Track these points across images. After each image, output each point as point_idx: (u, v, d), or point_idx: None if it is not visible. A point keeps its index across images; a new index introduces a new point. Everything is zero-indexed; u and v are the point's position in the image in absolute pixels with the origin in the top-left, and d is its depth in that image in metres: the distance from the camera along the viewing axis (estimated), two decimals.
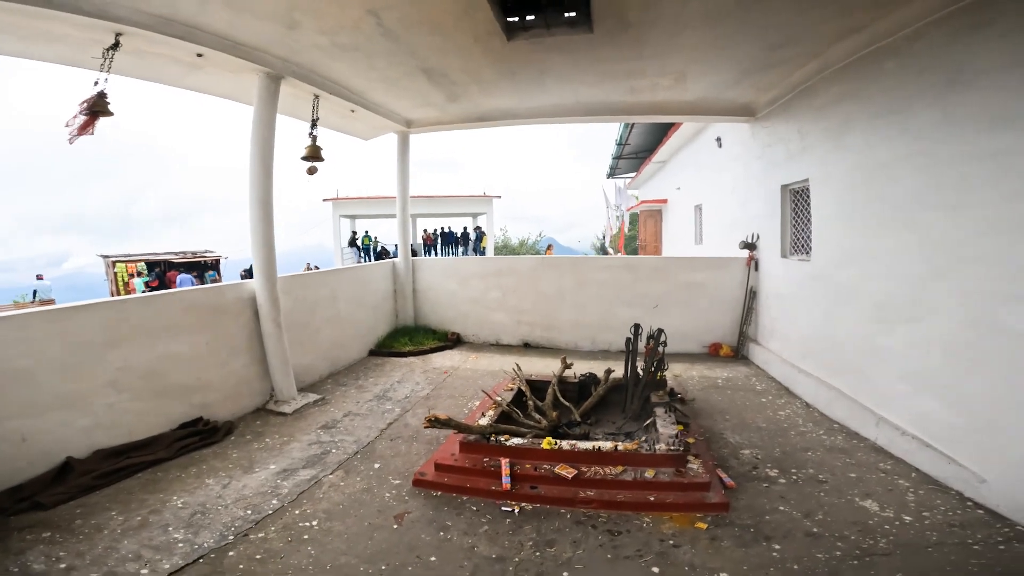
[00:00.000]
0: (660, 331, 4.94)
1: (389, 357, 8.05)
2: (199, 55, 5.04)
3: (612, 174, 20.05)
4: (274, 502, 3.73)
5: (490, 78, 6.36)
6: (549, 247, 16.98)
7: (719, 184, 10.03)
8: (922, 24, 4.17)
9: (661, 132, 13.27)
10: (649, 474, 3.73)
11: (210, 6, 4.41)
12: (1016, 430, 3.39)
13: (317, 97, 6.42)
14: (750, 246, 7.84)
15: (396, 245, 10.15)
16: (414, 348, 8.31)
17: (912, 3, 4.16)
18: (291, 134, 6.75)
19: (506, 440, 4.17)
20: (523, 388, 5.23)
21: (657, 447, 3.94)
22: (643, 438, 4.30)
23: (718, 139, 9.72)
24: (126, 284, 17.62)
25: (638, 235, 19.99)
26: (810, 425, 5.04)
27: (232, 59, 5.19)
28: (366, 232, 23.65)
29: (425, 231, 24.10)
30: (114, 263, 18.06)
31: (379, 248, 22.70)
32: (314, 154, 6.51)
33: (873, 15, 4.48)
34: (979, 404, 3.70)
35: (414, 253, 22.86)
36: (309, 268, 16.85)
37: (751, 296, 7.80)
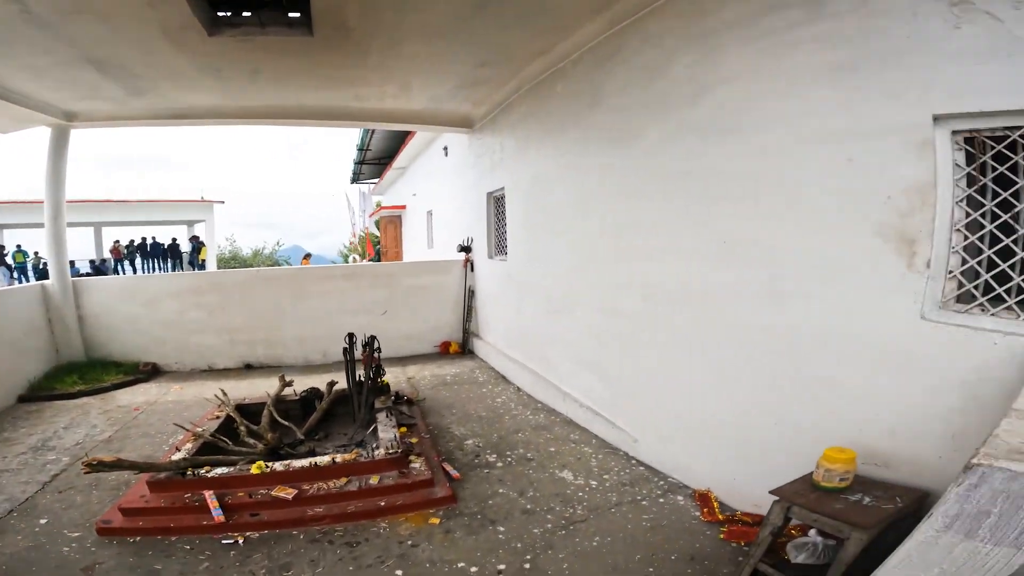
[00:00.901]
0: (373, 338, 4.93)
1: (50, 401, 6.26)
2: None
3: (356, 179, 19.40)
4: None
5: (188, 74, 5.51)
6: (307, 256, 15.33)
7: (445, 191, 10.61)
8: (585, 50, 4.79)
9: (400, 139, 13.39)
10: (374, 480, 3.69)
11: None
12: (642, 394, 4.26)
13: None
14: (466, 249, 8.50)
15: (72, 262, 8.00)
16: (87, 387, 6.63)
17: (580, 29, 4.67)
18: None
19: (207, 472, 3.69)
20: (232, 414, 4.65)
21: (377, 453, 3.92)
22: (374, 445, 4.23)
23: (445, 148, 10.24)
24: None
25: (380, 241, 19.89)
26: (520, 408, 5.61)
27: None
28: (18, 246, 18.33)
29: (116, 243, 19.79)
30: None
31: (42, 266, 17.67)
32: None
33: (556, 39, 4.97)
34: (616, 375, 4.59)
35: (100, 272, 18.53)
36: None
37: (470, 295, 8.42)
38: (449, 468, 4.07)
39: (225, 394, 5.05)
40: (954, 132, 2.51)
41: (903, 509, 2.41)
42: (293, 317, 8.04)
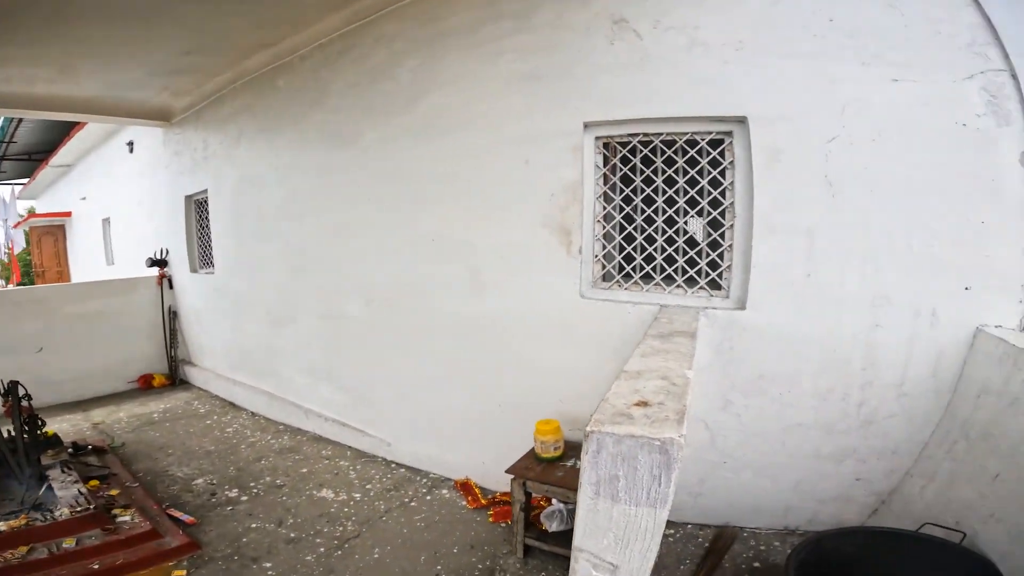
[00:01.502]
0: (15, 383, 3.94)
1: None
2: None
3: None
4: None
5: None
6: None
7: (130, 194, 8.86)
8: (316, 46, 4.61)
9: (64, 130, 10.47)
10: (69, 543, 2.99)
11: None
12: (383, 396, 4.40)
13: None
14: (160, 263, 7.28)
15: None
16: None
17: (316, 24, 4.47)
18: None
19: None
20: None
21: (60, 514, 3.22)
22: (57, 505, 3.39)
23: (130, 143, 8.56)
24: None
25: (33, 258, 15.27)
26: (259, 434, 5.11)
27: None
28: None
29: None
30: None
31: None
32: None
33: (286, 32, 4.65)
34: (354, 382, 4.63)
35: None
36: None
37: (172, 316, 7.25)
38: (178, 514, 3.49)
39: None
40: (597, 137, 3.22)
41: None
42: None
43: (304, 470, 4.23)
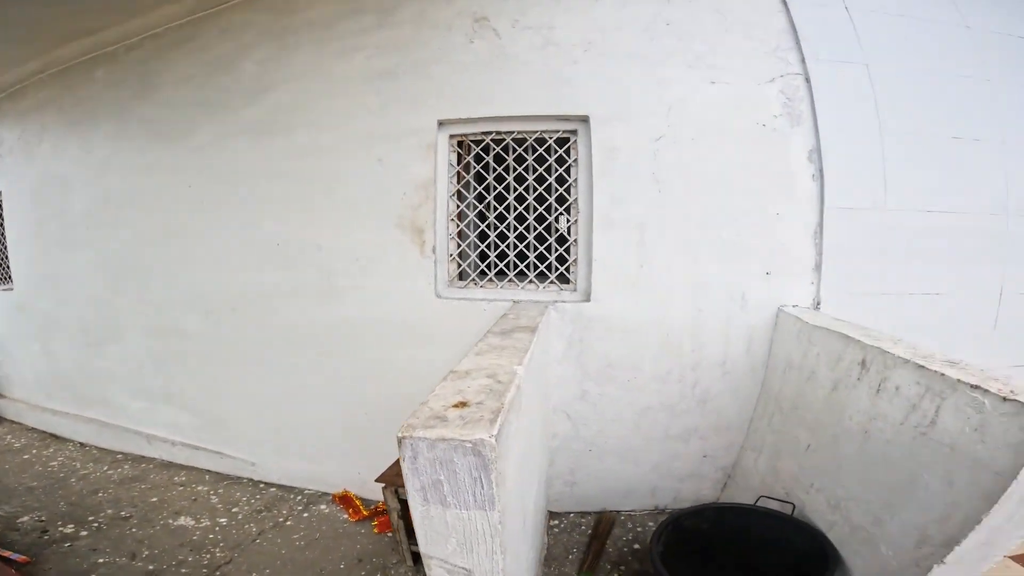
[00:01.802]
0: None
1: None
2: None
3: None
4: None
5: None
6: None
7: None
8: (148, 35, 4.34)
9: None
10: None
11: None
12: (237, 414, 4.28)
13: None
14: None
15: None
16: None
17: (153, 12, 4.21)
18: None
19: None
20: None
21: None
22: None
23: None
24: None
25: None
26: (91, 465, 4.73)
27: None
28: None
29: None
30: None
31: None
32: None
33: (114, 19, 4.34)
34: (201, 402, 4.45)
35: None
36: None
37: None
38: (7, 553, 3.22)
39: None
40: (451, 136, 3.44)
41: None
42: None
43: (154, 499, 4.03)
